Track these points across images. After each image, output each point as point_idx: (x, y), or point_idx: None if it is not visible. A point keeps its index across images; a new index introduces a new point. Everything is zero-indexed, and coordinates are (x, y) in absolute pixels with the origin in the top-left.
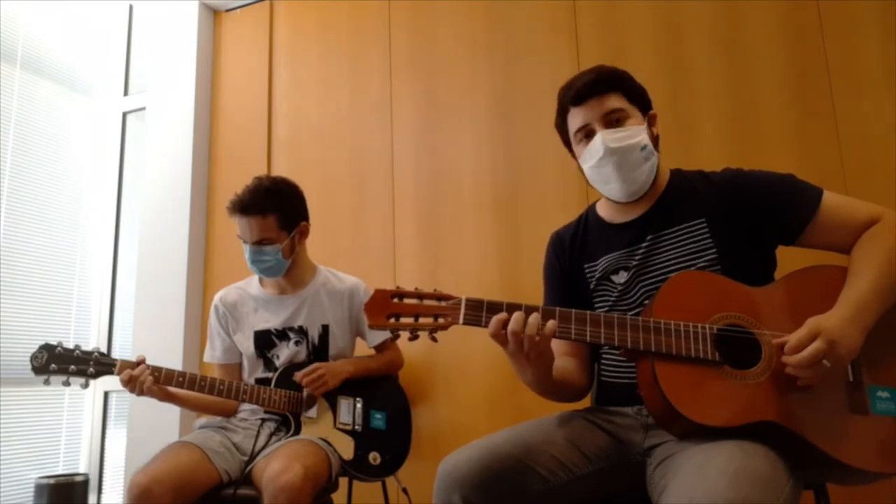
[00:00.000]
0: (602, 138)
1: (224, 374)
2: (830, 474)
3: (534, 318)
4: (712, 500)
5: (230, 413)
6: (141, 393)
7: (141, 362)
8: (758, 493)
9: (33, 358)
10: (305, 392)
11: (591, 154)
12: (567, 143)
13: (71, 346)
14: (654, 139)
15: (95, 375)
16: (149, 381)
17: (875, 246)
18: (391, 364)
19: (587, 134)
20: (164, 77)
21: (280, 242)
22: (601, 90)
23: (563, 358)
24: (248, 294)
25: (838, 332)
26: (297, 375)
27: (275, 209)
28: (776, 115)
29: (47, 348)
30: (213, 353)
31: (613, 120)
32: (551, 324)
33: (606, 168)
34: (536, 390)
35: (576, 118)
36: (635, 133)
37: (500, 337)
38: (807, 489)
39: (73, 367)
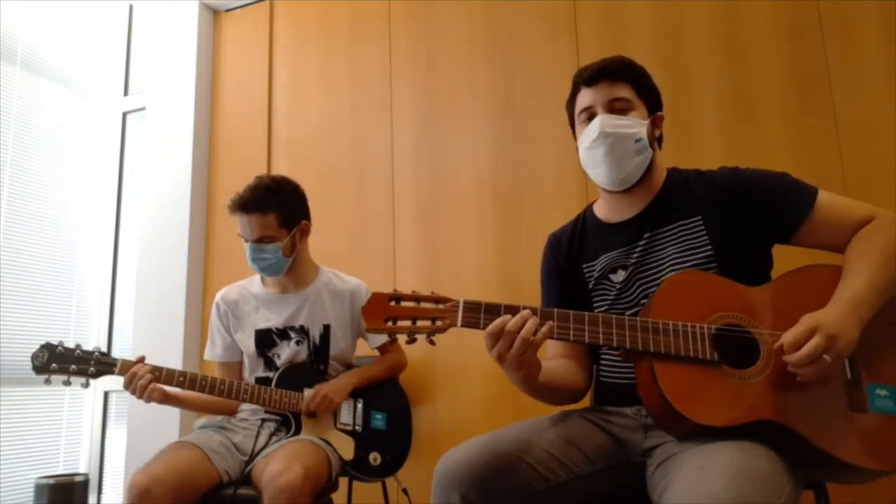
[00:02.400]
0: (601, 121)
1: (224, 372)
2: (830, 473)
3: (531, 322)
4: (713, 500)
5: (232, 412)
6: (141, 395)
7: (140, 361)
8: (759, 494)
9: (34, 357)
10: (306, 392)
11: (588, 135)
12: (572, 124)
13: (72, 345)
14: (656, 138)
15: (96, 375)
16: (146, 379)
17: (869, 244)
18: (394, 367)
19: (590, 116)
20: (164, 77)
21: (280, 241)
22: (613, 77)
23: (559, 360)
24: (250, 292)
25: (836, 327)
26: (303, 408)
27: (275, 207)
28: (776, 114)
29: (48, 348)
30: (213, 351)
31: (618, 108)
32: (548, 326)
33: (598, 151)
34: (524, 391)
35: (584, 98)
36: (634, 124)
37: (493, 336)
38: (807, 489)
39: (73, 366)
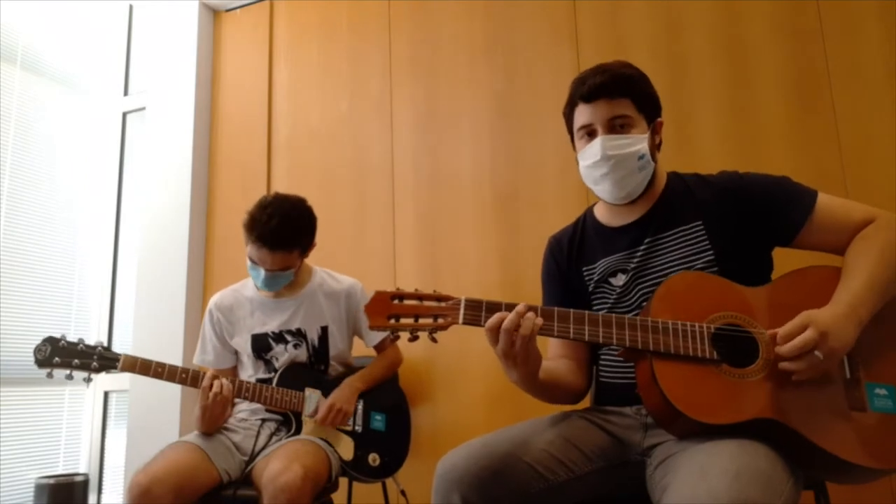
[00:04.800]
0: (602, 143)
1: None
2: (830, 472)
3: (529, 318)
4: (715, 499)
5: None
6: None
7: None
8: (759, 493)
9: (37, 350)
10: (307, 391)
11: (589, 154)
12: (570, 132)
13: (74, 339)
14: (656, 146)
15: (99, 370)
16: (227, 389)
17: (868, 245)
18: (393, 365)
19: (590, 133)
20: (164, 77)
21: (295, 266)
22: (612, 93)
23: (559, 360)
24: (244, 296)
25: (830, 324)
26: (318, 420)
27: (300, 244)
28: (776, 114)
29: (51, 341)
30: (203, 357)
31: (618, 125)
32: (538, 321)
33: (600, 171)
34: (524, 389)
35: (582, 115)
36: (636, 141)
37: (493, 332)
38: (807, 489)
39: (76, 360)
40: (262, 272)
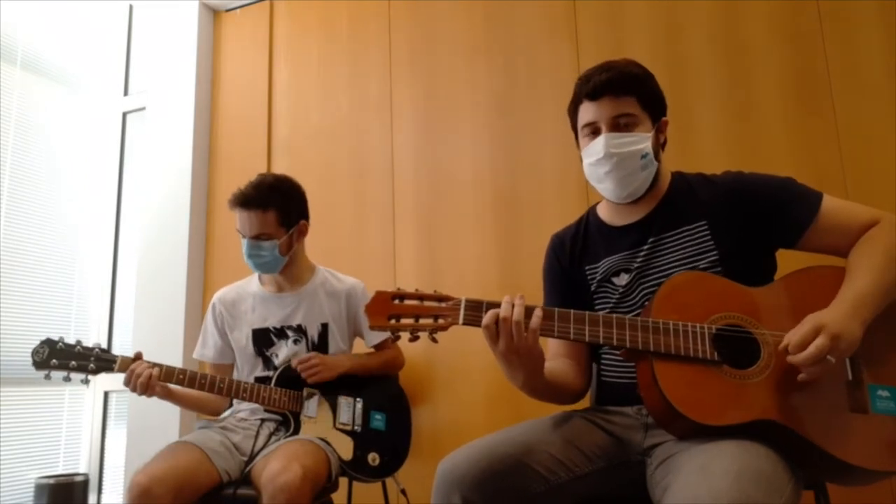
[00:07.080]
0: (605, 141)
1: (215, 373)
2: (830, 473)
3: (520, 305)
4: (715, 500)
5: (217, 413)
6: (143, 391)
7: (138, 357)
8: (761, 494)
9: (34, 353)
10: (305, 391)
11: (592, 152)
12: (574, 130)
13: (72, 341)
14: (661, 145)
15: (96, 371)
16: (145, 376)
17: (872, 246)
18: (390, 363)
19: (594, 131)
20: (164, 77)
21: (278, 239)
22: (616, 91)
23: (559, 360)
24: (247, 291)
25: (840, 327)
26: (294, 361)
27: (275, 205)
28: (776, 115)
29: (48, 343)
30: (203, 352)
31: (622, 124)
32: (538, 312)
33: (603, 169)
34: (528, 392)
35: (586, 113)
36: (639, 140)
37: (491, 329)
38: (807, 489)
39: (73, 362)
40: (245, 242)
